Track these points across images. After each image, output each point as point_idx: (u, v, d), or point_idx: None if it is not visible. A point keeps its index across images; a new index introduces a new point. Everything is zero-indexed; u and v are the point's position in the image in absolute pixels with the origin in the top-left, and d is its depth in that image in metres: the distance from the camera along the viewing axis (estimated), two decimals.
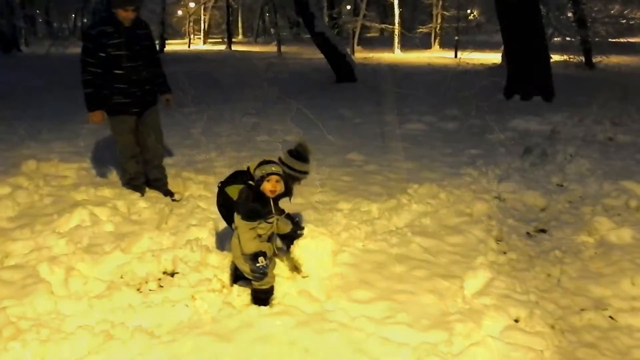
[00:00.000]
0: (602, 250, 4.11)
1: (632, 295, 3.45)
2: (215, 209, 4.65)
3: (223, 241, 3.97)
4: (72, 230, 4.12)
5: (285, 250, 3.48)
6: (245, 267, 3.08)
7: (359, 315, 2.99)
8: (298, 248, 3.36)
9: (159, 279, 3.55)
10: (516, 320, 3.08)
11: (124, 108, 4.82)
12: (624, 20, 22.49)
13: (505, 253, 4.07)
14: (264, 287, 3.12)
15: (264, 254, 3.00)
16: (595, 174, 6.02)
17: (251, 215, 2.99)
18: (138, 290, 3.39)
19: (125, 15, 4.66)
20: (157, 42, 29.75)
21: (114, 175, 5.63)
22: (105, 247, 3.90)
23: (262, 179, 3.02)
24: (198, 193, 5.22)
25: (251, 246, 2.99)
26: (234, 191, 3.27)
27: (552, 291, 3.51)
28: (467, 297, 3.30)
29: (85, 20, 39.89)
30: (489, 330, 2.92)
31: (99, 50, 4.63)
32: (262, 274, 3.03)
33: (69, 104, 9.87)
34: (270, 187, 3.04)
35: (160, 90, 5.08)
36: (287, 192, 3.30)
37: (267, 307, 3.07)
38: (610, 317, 3.23)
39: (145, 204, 4.74)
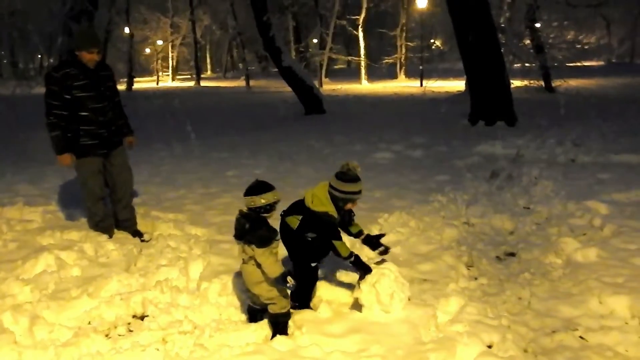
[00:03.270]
0: (569, 270, 4.18)
1: (600, 314, 3.51)
2: (185, 247, 4.63)
3: (193, 281, 3.91)
4: (38, 276, 4.01)
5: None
6: (270, 293, 3.12)
7: (334, 349, 2.96)
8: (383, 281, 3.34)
9: (129, 323, 3.47)
10: (489, 346, 3.10)
11: (91, 149, 4.78)
12: (579, 45, 23.54)
13: (476, 278, 4.11)
14: (284, 310, 3.18)
15: (290, 273, 3.05)
16: (559, 195, 6.17)
17: (264, 241, 3.06)
18: (107, 336, 3.31)
19: (90, 57, 4.66)
20: (125, 79, 29.97)
21: (80, 217, 5.52)
22: (72, 292, 3.80)
23: (271, 207, 3.14)
24: (168, 232, 5.15)
25: (277, 269, 3.06)
26: (294, 221, 3.37)
27: (523, 314, 3.54)
28: (440, 325, 3.31)
29: (52, 60, 39.56)
30: (463, 358, 2.93)
31: (64, 93, 4.61)
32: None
33: (33, 144, 9.70)
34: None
35: (122, 133, 5.06)
36: (347, 214, 3.45)
37: (240, 347, 3.01)
38: (581, 337, 3.27)
39: (113, 246, 4.65)
